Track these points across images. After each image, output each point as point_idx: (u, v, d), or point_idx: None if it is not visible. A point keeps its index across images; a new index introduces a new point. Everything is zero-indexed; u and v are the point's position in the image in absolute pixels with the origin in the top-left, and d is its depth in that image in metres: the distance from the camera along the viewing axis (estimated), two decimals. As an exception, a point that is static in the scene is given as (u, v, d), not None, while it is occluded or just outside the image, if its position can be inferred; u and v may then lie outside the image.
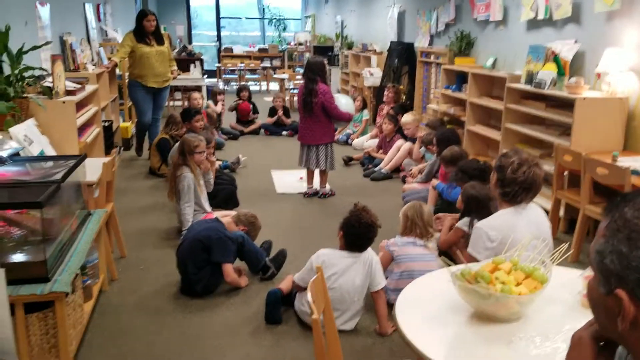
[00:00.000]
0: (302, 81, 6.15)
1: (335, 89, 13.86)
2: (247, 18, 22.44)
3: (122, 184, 6.73)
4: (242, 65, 16.71)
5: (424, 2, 9.35)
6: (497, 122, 6.67)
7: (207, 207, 5.15)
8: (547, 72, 5.63)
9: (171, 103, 12.05)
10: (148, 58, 7.36)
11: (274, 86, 16.41)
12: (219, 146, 8.25)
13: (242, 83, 14.43)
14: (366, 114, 9.36)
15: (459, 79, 7.58)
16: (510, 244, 2.54)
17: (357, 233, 3.43)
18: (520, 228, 2.81)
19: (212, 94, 9.91)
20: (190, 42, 19.64)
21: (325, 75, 5.91)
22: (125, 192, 6.47)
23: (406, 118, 7.22)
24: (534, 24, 6.46)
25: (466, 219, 3.96)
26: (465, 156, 5.17)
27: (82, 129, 5.58)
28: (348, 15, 14.21)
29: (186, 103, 10.66)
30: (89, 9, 8.32)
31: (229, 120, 10.13)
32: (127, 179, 7.03)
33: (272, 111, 10.03)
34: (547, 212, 5.07)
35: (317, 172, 6.29)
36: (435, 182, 5.38)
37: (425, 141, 6.50)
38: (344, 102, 6.40)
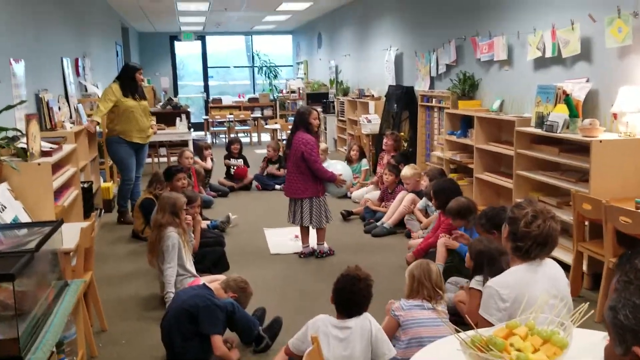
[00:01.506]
0: None
1: (331, 137, 14.06)
2: (235, 67, 22.75)
3: (102, 249, 6.68)
4: (231, 116, 16.92)
5: (422, 44, 9.48)
6: (508, 168, 6.65)
7: (194, 271, 5.09)
8: (559, 114, 5.64)
9: (155, 159, 12.06)
10: (133, 112, 7.47)
11: (266, 137, 16.61)
12: (207, 204, 8.23)
13: (233, 135, 14.56)
14: (365, 164, 9.37)
15: (464, 123, 7.59)
16: (526, 304, 2.48)
17: (348, 297, 3.39)
18: (536, 286, 2.76)
19: (199, 149, 9.92)
20: (175, 95, 19.95)
21: (309, 123, 5.97)
22: (106, 258, 6.42)
23: (405, 172, 7.21)
24: (541, 63, 6.50)
25: (480, 277, 3.90)
26: (473, 207, 5.15)
27: (59, 192, 5.57)
28: (342, 60, 14.40)
29: (172, 160, 10.69)
30: (67, 64, 8.44)
31: (218, 175, 10.12)
32: (108, 244, 6.99)
33: (268, 164, 10.17)
34: (568, 267, 4.98)
35: (313, 229, 6.26)
36: (443, 238, 5.29)
37: (425, 193, 6.50)
38: (340, 169, 6.26)
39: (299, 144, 5.87)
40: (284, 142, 12.62)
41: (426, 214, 6.78)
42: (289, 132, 11.88)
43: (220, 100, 18.52)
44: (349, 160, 9.23)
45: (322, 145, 8.49)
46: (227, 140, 12.60)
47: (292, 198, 6.07)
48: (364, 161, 9.42)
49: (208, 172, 9.41)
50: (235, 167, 9.88)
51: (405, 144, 9.19)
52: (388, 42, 11.07)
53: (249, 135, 17.24)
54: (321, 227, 6.11)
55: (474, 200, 5.39)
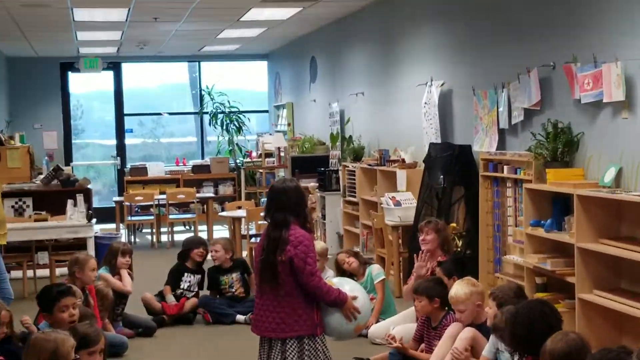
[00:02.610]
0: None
1: (333, 232, 10.29)
2: (171, 114, 16.14)
3: None
4: (163, 196, 11.81)
5: (484, 76, 7.16)
6: (634, 284, 5.29)
7: None
8: None
9: (29, 273, 8.51)
10: None
11: (221, 232, 11.70)
12: (116, 349, 5.97)
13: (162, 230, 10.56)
14: (378, 272, 6.66)
15: (558, 206, 5.93)
16: None
17: None
18: None
19: (109, 254, 7.04)
20: (68, 161, 14.21)
21: (304, 211, 4.66)
22: None
23: (457, 291, 5.21)
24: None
25: None
26: (587, 347, 3.83)
27: None
28: (352, 102, 10.71)
29: (60, 272, 7.97)
30: None
31: (139, 297, 7.23)
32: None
33: (215, 274, 7.28)
34: None
35: None
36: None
37: (496, 328, 4.77)
38: (349, 289, 4.70)
39: (287, 245, 4.45)
40: (253, 240, 9.10)
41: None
42: (262, 222, 8.65)
43: (145, 169, 13.44)
44: (354, 277, 6.59)
45: (318, 246, 6.12)
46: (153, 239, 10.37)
47: (268, 338, 4.58)
48: (375, 268, 6.71)
49: (119, 296, 6.65)
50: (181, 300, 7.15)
51: (459, 243, 6.96)
52: (427, 72, 8.24)
53: (192, 227, 12.02)
54: None
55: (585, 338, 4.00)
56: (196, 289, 7.18)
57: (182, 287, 7.10)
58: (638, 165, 5.22)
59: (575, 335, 3.89)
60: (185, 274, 7.20)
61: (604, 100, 5.43)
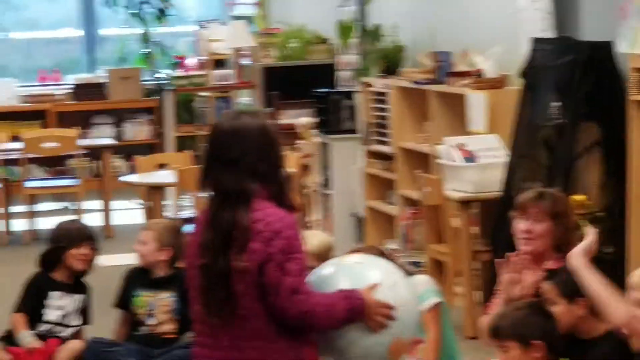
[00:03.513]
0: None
1: (345, 211, 6.88)
2: None
3: None
4: (18, 145, 7.43)
5: None
6: None
7: None
8: None
9: None
10: None
11: (129, 214, 7.76)
12: None
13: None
14: (427, 291, 4.01)
15: None
16: None
17: None
18: None
19: None
20: None
21: (282, 176, 2.92)
22: None
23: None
24: None
25: None
26: None
27: None
28: None
29: None
30: None
31: None
32: None
33: (131, 283, 4.46)
34: None
35: None
36: None
37: None
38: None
39: (250, 239, 2.79)
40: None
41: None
42: (202, 197, 5.71)
43: None
44: None
45: (314, 240, 3.86)
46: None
47: None
48: (421, 282, 4.07)
49: None
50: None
51: (589, 231, 4.13)
52: None
53: (74, 206, 7.59)
54: None
55: None
56: (76, 322, 4.48)
57: (47, 317, 4.38)
58: None
59: None
60: (53, 294, 4.49)
61: None
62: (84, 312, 4.33)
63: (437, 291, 4.03)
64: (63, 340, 4.16)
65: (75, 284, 4.35)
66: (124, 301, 4.39)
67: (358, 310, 2.75)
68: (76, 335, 4.22)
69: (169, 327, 4.26)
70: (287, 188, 2.97)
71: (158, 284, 4.35)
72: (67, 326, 4.22)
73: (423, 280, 4.05)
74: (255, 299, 2.80)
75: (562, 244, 3.56)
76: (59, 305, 4.22)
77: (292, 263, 2.77)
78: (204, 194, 2.88)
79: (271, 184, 2.82)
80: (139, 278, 4.45)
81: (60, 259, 4.32)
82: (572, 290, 3.19)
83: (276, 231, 2.76)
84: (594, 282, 2.91)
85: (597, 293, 2.87)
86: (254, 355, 2.86)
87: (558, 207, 3.65)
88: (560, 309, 3.14)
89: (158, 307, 4.30)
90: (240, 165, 2.77)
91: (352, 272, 2.81)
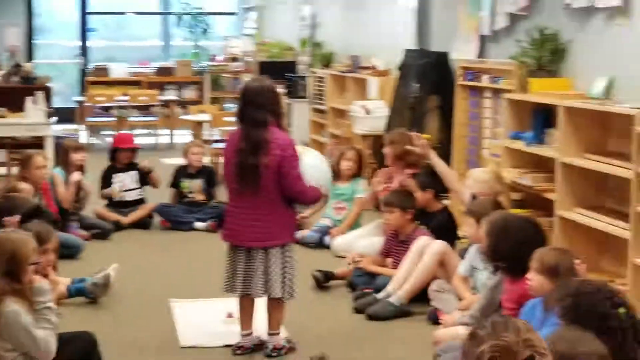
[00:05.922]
0: (234, 129, 4.73)
1: (298, 140, 9.55)
2: (138, 13, 15.89)
3: None
4: (126, 98, 11.49)
5: None
6: (622, 202, 5.02)
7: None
8: None
9: None
10: None
11: (183, 137, 11.07)
12: (70, 251, 5.86)
13: (125, 132, 9.01)
14: (361, 188, 6.51)
15: (540, 119, 5.78)
16: None
17: None
18: None
19: (63, 151, 6.83)
20: (30, 59, 13.45)
21: (281, 113, 4.55)
22: None
23: (478, 175, 5.29)
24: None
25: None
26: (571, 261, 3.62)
27: None
28: (324, 7, 10.62)
29: (14, 171, 7.41)
30: None
31: (96, 201, 7.10)
32: None
33: (179, 175, 7.16)
34: None
35: (261, 303, 4.63)
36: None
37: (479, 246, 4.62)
38: (310, 165, 4.56)
39: (271, 147, 4.28)
40: (214, 145, 8.97)
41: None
42: (226, 128, 8.86)
43: (105, 70, 12.80)
44: (335, 175, 6.38)
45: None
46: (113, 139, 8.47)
47: (247, 248, 4.40)
48: (360, 182, 6.60)
49: (77, 193, 6.50)
50: (122, 188, 6.90)
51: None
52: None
53: (154, 132, 11.82)
54: (293, 296, 4.57)
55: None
56: (134, 186, 6.87)
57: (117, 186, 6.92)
58: (630, 76, 5.15)
59: (561, 249, 3.77)
60: (114, 175, 6.87)
61: (597, 6, 5.29)
62: (141, 180, 6.84)
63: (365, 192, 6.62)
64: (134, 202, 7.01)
65: (128, 167, 6.87)
66: (174, 184, 7.13)
67: (316, 197, 4.41)
68: (138, 190, 6.88)
69: (200, 197, 7.05)
70: (284, 120, 4.51)
71: (194, 175, 7.16)
72: (131, 189, 6.79)
73: (364, 183, 6.73)
74: (272, 181, 4.17)
75: (408, 158, 5.92)
76: (119, 181, 6.88)
77: (296, 162, 4.23)
78: (236, 124, 4.39)
79: (277, 118, 4.29)
80: (182, 172, 7.21)
81: (116, 155, 6.95)
82: (424, 184, 5.53)
83: (288, 144, 4.22)
84: (447, 172, 5.21)
85: (448, 177, 5.13)
86: (270, 216, 4.28)
87: (393, 138, 6.15)
88: (417, 195, 5.40)
89: (194, 187, 7.08)
90: (265, 106, 4.20)
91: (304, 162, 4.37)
